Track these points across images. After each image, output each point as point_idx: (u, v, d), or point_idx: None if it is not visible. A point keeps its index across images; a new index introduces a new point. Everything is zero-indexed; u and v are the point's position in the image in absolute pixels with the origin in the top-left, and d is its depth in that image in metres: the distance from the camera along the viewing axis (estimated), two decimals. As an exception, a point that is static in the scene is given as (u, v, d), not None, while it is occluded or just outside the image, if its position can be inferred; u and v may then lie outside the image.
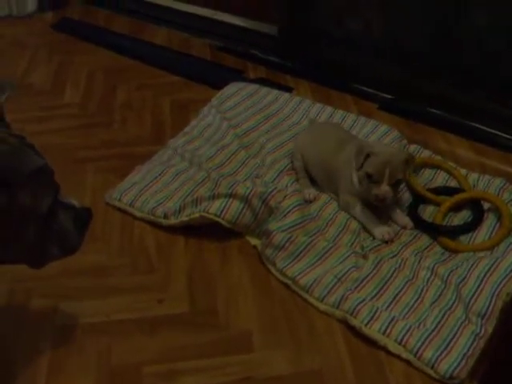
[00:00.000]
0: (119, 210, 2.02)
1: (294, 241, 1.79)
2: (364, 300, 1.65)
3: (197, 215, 1.87)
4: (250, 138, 2.27)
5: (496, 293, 1.63)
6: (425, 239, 1.88)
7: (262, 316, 1.67)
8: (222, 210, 1.86)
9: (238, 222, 1.87)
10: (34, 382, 1.51)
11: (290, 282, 1.75)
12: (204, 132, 2.34)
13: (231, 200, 1.87)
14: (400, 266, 1.77)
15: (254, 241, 1.89)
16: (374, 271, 1.74)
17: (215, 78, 2.67)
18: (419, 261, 1.78)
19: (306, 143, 2.11)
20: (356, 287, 1.69)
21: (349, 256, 1.79)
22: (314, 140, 2.11)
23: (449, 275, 1.71)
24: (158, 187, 2.07)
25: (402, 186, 1.99)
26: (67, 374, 1.53)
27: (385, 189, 1.83)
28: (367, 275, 1.72)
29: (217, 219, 1.86)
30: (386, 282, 1.71)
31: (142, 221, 1.97)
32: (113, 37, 3.12)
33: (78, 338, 1.62)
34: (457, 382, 1.48)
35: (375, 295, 1.68)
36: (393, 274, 1.74)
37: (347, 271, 1.74)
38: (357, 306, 1.63)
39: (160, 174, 2.12)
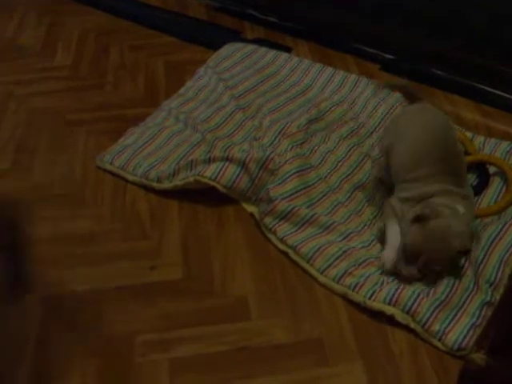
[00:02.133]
0: (111, 173, 1.94)
1: (296, 212, 1.72)
2: (369, 276, 1.59)
3: (191, 179, 1.80)
4: (248, 99, 2.18)
5: (504, 259, 1.57)
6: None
7: (259, 283, 1.61)
8: (218, 174, 1.79)
9: (234, 187, 1.79)
10: (22, 352, 1.47)
11: (290, 251, 1.68)
12: (199, 93, 2.25)
13: (227, 164, 1.80)
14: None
15: (250, 208, 1.82)
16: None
17: (212, 38, 2.58)
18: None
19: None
20: (360, 264, 1.62)
21: (356, 233, 1.72)
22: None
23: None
24: (151, 150, 1.99)
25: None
26: (57, 344, 1.49)
27: (412, 272, 1.55)
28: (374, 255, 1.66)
29: (212, 183, 1.79)
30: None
31: (135, 185, 1.90)
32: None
33: (68, 306, 1.56)
34: (464, 353, 1.43)
35: (381, 272, 1.61)
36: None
37: (354, 247, 1.67)
38: (359, 281, 1.57)
39: (153, 137, 2.04)
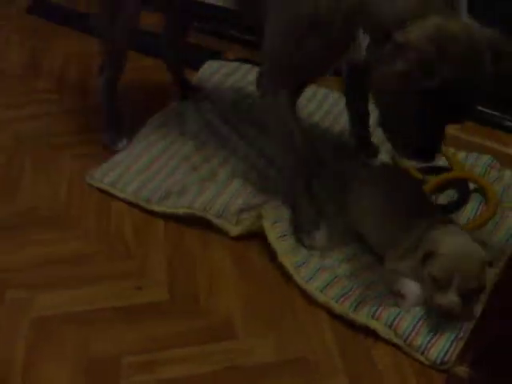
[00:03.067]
0: (97, 194, 1.95)
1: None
2: (352, 288, 1.60)
3: (180, 212, 1.82)
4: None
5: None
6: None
7: (245, 302, 1.62)
8: (208, 204, 1.81)
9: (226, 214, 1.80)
10: (9, 374, 1.46)
11: (279, 252, 1.68)
12: (187, 110, 2.26)
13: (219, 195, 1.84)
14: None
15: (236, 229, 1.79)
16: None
17: (193, 59, 2.60)
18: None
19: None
20: (346, 276, 1.64)
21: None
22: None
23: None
24: (140, 166, 2.01)
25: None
26: (44, 365, 1.49)
27: (452, 299, 1.44)
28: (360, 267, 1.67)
29: (201, 214, 1.80)
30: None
31: (120, 206, 1.91)
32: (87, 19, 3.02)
33: (55, 328, 1.57)
34: (448, 366, 1.44)
35: (368, 284, 1.62)
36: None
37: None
38: (344, 293, 1.58)
39: (141, 153, 2.05)
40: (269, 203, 1.79)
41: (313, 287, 1.61)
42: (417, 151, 1.48)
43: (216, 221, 1.79)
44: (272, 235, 1.71)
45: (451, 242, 1.48)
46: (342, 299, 1.57)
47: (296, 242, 1.71)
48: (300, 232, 1.72)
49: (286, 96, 1.64)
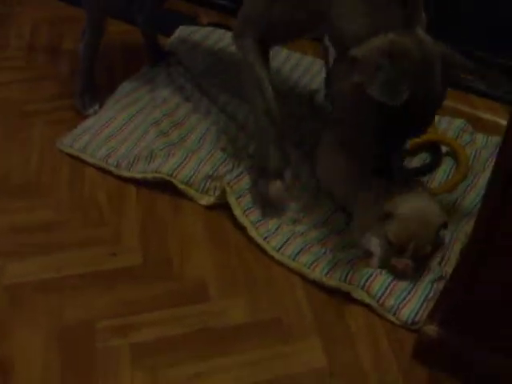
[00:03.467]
0: (69, 161, 1.94)
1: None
2: (325, 253, 1.62)
3: (149, 176, 1.81)
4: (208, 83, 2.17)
5: (454, 237, 1.62)
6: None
7: (217, 265, 1.63)
8: (175, 169, 1.80)
9: (192, 182, 1.79)
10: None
11: (249, 227, 1.68)
12: (157, 76, 2.23)
13: (187, 159, 1.82)
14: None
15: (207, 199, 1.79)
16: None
17: (167, 24, 2.57)
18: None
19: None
20: (319, 241, 1.65)
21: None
22: None
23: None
24: (109, 132, 1.99)
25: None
26: (16, 333, 1.49)
27: (406, 262, 1.52)
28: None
29: (168, 178, 1.79)
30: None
31: (93, 173, 1.90)
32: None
33: (27, 296, 1.56)
34: (418, 326, 1.46)
35: (340, 248, 1.63)
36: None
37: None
38: (315, 259, 1.59)
39: (111, 118, 2.03)
40: (233, 173, 1.79)
41: (285, 256, 1.62)
42: (376, 170, 1.55)
43: (182, 186, 1.79)
44: (238, 210, 1.70)
45: (409, 206, 1.52)
46: (314, 265, 1.58)
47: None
48: (260, 178, 1.71)
49: (252, 44, 1.67)
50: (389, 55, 1.34)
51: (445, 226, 1.54)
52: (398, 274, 1.53)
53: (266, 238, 1.66)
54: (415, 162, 1.89)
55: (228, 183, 1.73)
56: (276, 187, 1.67)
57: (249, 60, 1.68)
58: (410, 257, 1.51)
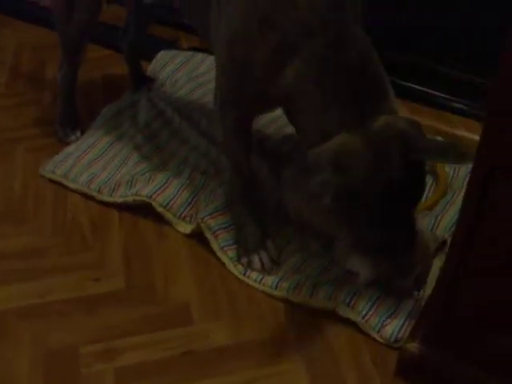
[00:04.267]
0: (52, 187, 1.95)
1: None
2: (307, 276, 1.62)
3: (130, 199, 1.82)
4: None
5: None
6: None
7: (200, 289, 1.64)
8: (155, 192, 1.81)
9: (171, 205, 1.80)
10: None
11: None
12: (137, 103, 2.24)
13: (167, 184, 1.83)
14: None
15: (187, 227, 1.79)
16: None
17: (147, 49, 2.59)
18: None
19: None
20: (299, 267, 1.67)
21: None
22: None
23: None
24: (91, 158, 2.01)
25: None
26: (1, 360, 1.49)
27: (409, 289, 1.57)
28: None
29: (148, 201, 1.80)
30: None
31: (76, 199, 1.91)
32: (41, 11, 2.99)
33: (12, 322, 1.57)
34: (400, 344, 1.47)
35: (321, 271, 1.64)
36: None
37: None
38: (298, 283, 1.60)
39: (93, 144, 2.05)
40: (209, 206, 1.76)
41: (266, 287, 1.63)
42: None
43: (160, 209, 1.79)
44: (215, 245, 1.71)
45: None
46: (297, 289, 1.59)
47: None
48: (241, 251, 1.68)
49: (233, 126, 1.62)
50: (334, 164, 1.32)
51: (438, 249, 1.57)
52: (401, 294, 1.56)
53: (245, 273, 1.66)
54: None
55: (202, 219, 1.72)
56: (259, 262, 1.65)
57: (228, 144, 1.66)
58: (412, 283, 1.53)
